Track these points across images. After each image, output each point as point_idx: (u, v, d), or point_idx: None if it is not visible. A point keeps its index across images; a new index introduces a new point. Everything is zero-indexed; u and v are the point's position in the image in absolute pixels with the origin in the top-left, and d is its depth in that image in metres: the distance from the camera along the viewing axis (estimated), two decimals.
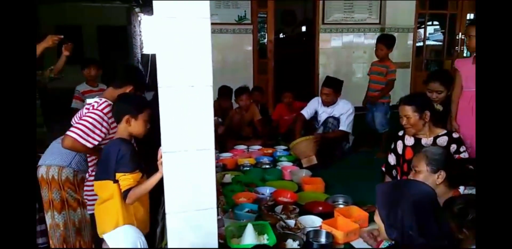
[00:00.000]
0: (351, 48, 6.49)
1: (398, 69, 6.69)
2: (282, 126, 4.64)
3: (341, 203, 2.73)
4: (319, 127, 3.80)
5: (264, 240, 2.02)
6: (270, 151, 3.94)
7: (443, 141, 2.27)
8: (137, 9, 11.69)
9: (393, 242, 1.40)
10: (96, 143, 2.02)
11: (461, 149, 2.20)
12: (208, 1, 1.47)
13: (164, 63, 1.50)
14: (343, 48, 6.47)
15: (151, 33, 13.93)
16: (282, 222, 2.30)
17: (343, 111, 3.71)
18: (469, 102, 2.75)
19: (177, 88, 1.53)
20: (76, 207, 2.27)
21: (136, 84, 2.20)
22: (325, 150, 3.53)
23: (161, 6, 1.46)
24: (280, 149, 4.04)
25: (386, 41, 4.11)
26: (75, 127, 1.99)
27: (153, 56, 12.85)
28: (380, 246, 1.57)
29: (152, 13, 11.26)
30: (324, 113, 3.82)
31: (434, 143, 2.29)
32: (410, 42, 6.79)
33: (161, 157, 1.68)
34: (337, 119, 3.72)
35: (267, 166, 3.47)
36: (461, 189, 1.81)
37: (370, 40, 6.49)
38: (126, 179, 1.77)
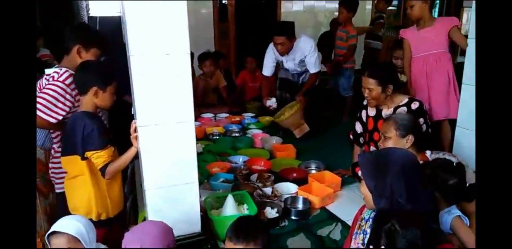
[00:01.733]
0: (313, 12, 6.37)
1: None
2: (248, 93, 4.56)
3: (314, 168, 2.78)
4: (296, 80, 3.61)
5: (244, 209, 2.02)
6: (238, 118, 3.88)
7: (402, 112, 2.28)
8: None
9: (376, 211, 1.42)
10: (60, 117, 1.85)
11: (420, 120, 2.23)
12: None
13: (134, 28, 1.34)
14: (305, 12, 6.33)
15: None
16: (259, 191, 2.31)
17: (306, 52, 3.37)
18: (421, 66, 2.86)
19: (151, 57, 1.39)
20: (47, 192, 2.12)
21: (88, 42, 1.94)
22: (311, 113, 3.44)
23: None
24: (248, 116, 3.99)
25: (347, 4, 4.06)
26: (36, 102, 1.79)
27: (102, 19, 11.87)
28: (361, 215, 1.60)
29: None
30: (288, 62, 3.49)
31: (394, 114, 2.31)
32: (369, 7, 6.77)
33: (135, 131, 1.57)
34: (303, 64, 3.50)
35: (237, 134, 3.43)
36: (428, 153, 1.88)
37: (331, 4, 6.39)
38: (99, 156, 1.65)
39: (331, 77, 4.36)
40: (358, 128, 2.58)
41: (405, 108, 2.31)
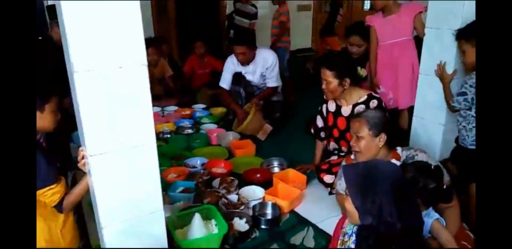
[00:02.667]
0: None
1: (300, 12, 6.65)
2: (196, 80, 4.28)
3: (277, 165, 2.67)
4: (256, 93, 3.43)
5: (213, 226, 1.85)
6: (188, 112, 3.62)
7: (361, 110, 2.21)
8: None
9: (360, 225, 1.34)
10: None
11: None
12: None
13: (77, 37, 1.05)
14: None
15: None
16: (224, 199, 2.15)
17: (268, 64, 3.25)
18: (387, 55, 2.81)
19: (100, 72, 1.12)
20: None
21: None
22: (269, 110, 3.30)
23: None
24: (199, 108, 3.75)
25: None
26: None
27: None
28: (342, 229, 1.52)
29: None
30: (248, 74, 3.35)
31: (353, 112, 2.26)
32: None
33: (83, 158, 1.30)
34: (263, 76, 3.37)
35: (190, 131, 3.19)
36: (399, 150, 1.84)
37: None
38: (55, 193, 1.35)
39: None
40: (319, 122, 2.51)
41: (363, 106, 2.25)
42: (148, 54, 3.57)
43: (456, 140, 2.13)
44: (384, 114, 1.94)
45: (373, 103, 2.24)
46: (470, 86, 1.88)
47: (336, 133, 2.39)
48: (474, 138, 1.97)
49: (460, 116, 2.02)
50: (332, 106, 2.39)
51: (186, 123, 3.32)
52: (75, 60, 1.07)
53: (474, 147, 1.98)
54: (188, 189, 2.25)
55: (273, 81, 3.33)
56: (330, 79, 2.20)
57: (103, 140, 1.20)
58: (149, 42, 3.57)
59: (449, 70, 2.13)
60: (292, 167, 2.55)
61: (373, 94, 2.31)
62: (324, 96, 2.39)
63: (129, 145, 1.26)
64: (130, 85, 1.18)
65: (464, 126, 2.00)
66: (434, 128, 2.32)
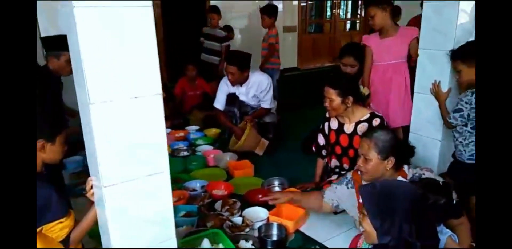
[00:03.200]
0: (241, 11, 6.20)
1: (287, 34, 6.80)
2: (187, 102, 4.29)
3: (277, 185, 2.67)
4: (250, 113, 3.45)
5: None
6: (182, 133, 3.61)
7: (363, 128, 2.30)
8: None
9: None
10: None
11: None
12: None
13: (93, 69, 1.07)
14: (233, 12, 6.14)
15: None
16: (228, 222, 2.13)
17: (262, 88, 3.33)
18: (380, 75, 2.87)
19: (116, 103, 1.12)
20: None
21: None
22: (263, 131, 3.33)
23: None
24: (192, 129, 3.75)
25: (267, 11, 4.33)
26: None
27: None
28: (359, 246, 1.53)
29: None
30: (241, 95, 3.40)
31: (355, 130, 2.33)
32: (295, 2, 6.83)
33: (91, 187, 1.29)
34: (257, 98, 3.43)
35: (186, 153, 3.17)
36: (405, 168, 1.87)
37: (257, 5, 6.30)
38: (64, 227, 1.32)
39: None
40: (321, 140, 2.55)
41: (366, 124, 2.31)
42: None
43: (453, 155, 2.19)
44: (394, 136, 1.96)
45: (376, 121, 2.30)
46: (466, 103, 1.95)
47: (338, 150, 2.43)
48: (471, 152, 2.03)
49: (457, 132, 2.09)
50: (334, 124, 2.44)
51: (181, 145, 3.30)
52: (91, 92, 1.07)
53: (471, 162, 2.04)
54: (190, 213, 2.22)
55: (267, 103, 3.41)
56: (333, 97, 2.26)
57: (118, 171, 1.19)
58: None
59: (444, 88, 2.21)
60: (293, 186, 2.56)
61: (376, 112, 2.37)
62: (327, 114, 2.44)
63: (144, 174, 1.25)
64: (146, 115, 1.19)
65: (461, 142, 2.07)
66: (431, 143, 2.38)
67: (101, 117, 1.11)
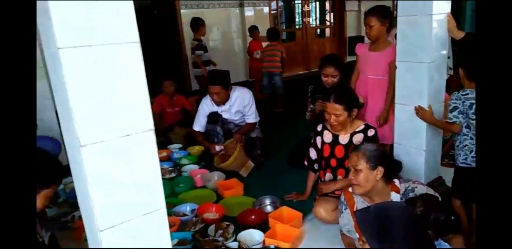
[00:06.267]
0: (213, 24, 6.20)
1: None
2: (167, 119, 4.20)
3: (269, 204, 2.63)
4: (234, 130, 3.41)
5: None
6: (165, 153, 3.52)
7: (359, 138, 2.30)
8: None
9: None
10: None
11: None
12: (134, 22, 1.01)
13: (81, 109, 1.01)
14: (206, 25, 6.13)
15: None
16: (224, 248, 2.07)
17: (245, 103, 3.29)
18: (361, 86, 2.89)
19: (107, 143, 1.06)
20: None
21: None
22: (250, 147, 3.28)
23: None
24: (175, 148, 3.66)
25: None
26: None
27: None
28: None
29: None
30: (223, 112, 3.34)
31: (351, 140, 2.32)
32: (266, 10, 6.90)
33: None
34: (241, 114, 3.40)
35: (172, 175, 3.08)
36: (397, 182, 1.88)
37: (230, 15, 6.33)
38: None
39: (265, 80, 5.46)
40: (313, 154, 2.51)
41: (361, 134, 2.31)
42: None
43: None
44: (381, 147, 1.99)
45: (371, 132, 2.30)
46: (456, 99, 2.01)
47: (333, 162, 2.40)
48: (466, 156, 2.08)
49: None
50: (328, 137, 2.41)
51: (166, 166, 3.21)
52: (81, 134, 1.01)
53: (465, 165, 2.08)
54: (184, 240, 2.15)
55: (252, 117, 3.36)
56: (339, 112, 2.22)
57: (114, 211, 1.13)
58: None
59: (423, 98, 2.26)
60: (285, 204, 2.52)
61: (369, 124, 2.38)
62: (318, 128, 2.43)
63: (140, 214, 1.19)
64: (138, 151, 1.13)
65: (457, 145, 2.11)
66: (416, 153, 2.42)
67: (93, 159, 1.05)
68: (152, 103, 3.72)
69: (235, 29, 6.35)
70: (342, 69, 2.99)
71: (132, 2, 1.01)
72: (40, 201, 1.35)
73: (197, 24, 4.85)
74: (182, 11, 5.76)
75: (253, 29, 5.69)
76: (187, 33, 5.86)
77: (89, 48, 0.97)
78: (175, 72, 5.85)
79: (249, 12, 6.47)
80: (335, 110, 2.22)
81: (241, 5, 6.37)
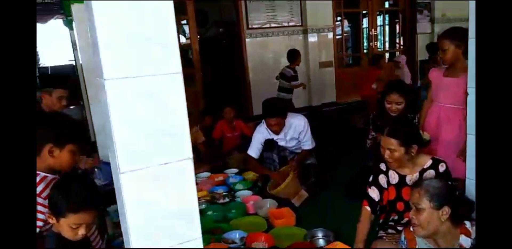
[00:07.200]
0: (277, 51, 6.33)
1: (322, 69, 6.81)
2: (226, 144, 4.29)
3: (322, 237, 2.49)
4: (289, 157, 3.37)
5: None
6: (221, 177, 3.56)
7: (430, 176, 2.04)
8: None
9: None
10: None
11: None
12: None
13: (122, 138, 1.04)
14: (269, 52, 6.27)
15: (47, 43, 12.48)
16: None
17: (300, 129, 3.23)
18: (436, 116, 2.65)
19: (145, 171, 1.09)
20: None
21: (61, 139, 1.64)
22: (305, 176, 3.20)
23: None
24: (231, 173, 3.69)
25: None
26: None
27: (53, 68, 11.48)
28: None
29: (45, 21, 9.84)
30: (279, 140, 3.31)
31: (420, 179, 2.03)
32: (330, 36, 6.85)
33: None
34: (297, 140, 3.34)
35: (226, 200, 3.09)
36: (468, 225, 1.66)
37: (294, 42, 6.41)
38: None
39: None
40: (375, 195, 2.18)
41: (432, 171, 2.05)
42: None
43: None
44: (447, 183, 1.79)
45: (442, 167, 2.06)
46: None
47: (400, 206, 2.12)
48: None
49: None
50: (394, 178, 2.13)
51: (221, 191, 3.23)
52: (121, 162, 1.05)
53: None
54: None
55: (308, 144, 3.29)
56: (394, 147, 1.99)
57: (149, 239, 1.13)
58: None
59: None
60: (339, 239, 2.36)
61: (436, 157, 2.13)
62: (382, 166, 2.17)
63: (176, 242, 1.18)
64: (176, 180, 1.14)
65: None
66: None
67: (132, 186, 1.07)
68: (213, 128, 3.88)
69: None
70: (408, 96, 2.82)
71: (175, 34, 1.04)
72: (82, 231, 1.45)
73: (294, 55, 5.21)
74: (247, 40, 5.98)
75: None
76: (251, 61, 6.08)
77: (134, 79, 1.02)
78: (237, 97, 6.01)
79: (312, 38, 6.49)
80: (389, 145, 2.01)
81: (305, 32, 6.43)
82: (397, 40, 8.84)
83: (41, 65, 11.62)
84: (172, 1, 1.00)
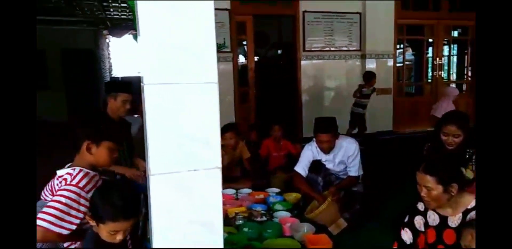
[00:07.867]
0: (332, 75, 6.30)
1: (380, 96, 6.63)
2: (271, 163, 4.28)
3: None
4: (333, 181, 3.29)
5: None
6: (262, 195, 3.52)
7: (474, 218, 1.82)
8: (105, 32, 11.18)
9: None
10: (74, 227, 1.58)
11: None
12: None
13: (155, 141, 1.09)
14: (324, 75, 6.26)
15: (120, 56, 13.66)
16: None
17: (350, 153, 3.13)
18: None
19: (175, 175, 1.12)
20: None
21: (98, 136, 1.76)
22: (349, 204, 3.10)
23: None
24: (273, 192, 3.63)
25: None
26: (45, 212, 1.53)
27: (123, 79, 12.48)
28: None
29: (120, 36, 10.79)
30: (327, 161, 3.25)
31: (463, 221, 1.85)
32: (390, 63, 6.68)
33: None
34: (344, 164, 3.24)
35: (263, 218, 3.05)
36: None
37: (350, 66, 6.35)
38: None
39: None
40: (408, 237, 2.03)
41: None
42: (225, 138, 3.70)
43: None
44: None
45: None
46: None
47: None
48: None
49: None
50: (433, 220, 1.96)
51: (259, 209, 3.20)
52: (152, 164, 1.09)
53: None
54: None
55: (354, 170, 3.17)
56: (430, 185, 1.83)
57: (172, 243, 1.15)
58: (228, 128, 3.82)
59: None
60: None
61: None
62: (419, 206, 2.02)
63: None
64: (203, 187, 1.16)
65: None
66: None
67: (159, 188, 1.11)
68: (258, 144, 3.88)
69: (355, 80, 6.28)
70: (467, 128, 2.61)
71: (214, 46, 1.09)
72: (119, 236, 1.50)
73: (370, 76, 5.57)
74: (302, 62, 6.03)
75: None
76: (305, 83, 6.10)
77: (171, 86, 1.07)
78: (288, 118, 6.02)
79: (371, 64, 6.39)
80: (426, 182, 1.84)
81: (363, 57, 6.35)
82: (465, 71, 8.39)
83: (112, 76, 12.78)
84: (213, 15, 1.05)
